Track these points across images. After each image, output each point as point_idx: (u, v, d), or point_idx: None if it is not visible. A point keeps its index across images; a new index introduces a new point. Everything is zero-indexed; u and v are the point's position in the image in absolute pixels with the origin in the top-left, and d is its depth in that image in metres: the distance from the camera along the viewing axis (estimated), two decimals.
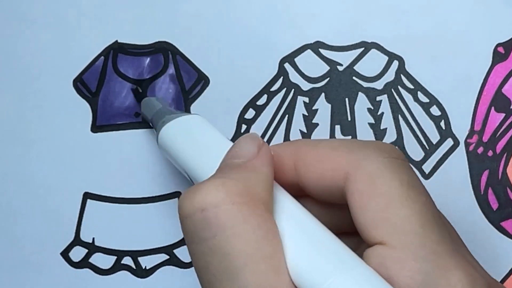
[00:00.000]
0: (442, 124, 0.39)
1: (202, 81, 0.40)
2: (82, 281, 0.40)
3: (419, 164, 0.39)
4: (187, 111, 0.40)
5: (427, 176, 0.39)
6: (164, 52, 0.40)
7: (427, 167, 0.39)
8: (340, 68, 0.40)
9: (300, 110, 0.40)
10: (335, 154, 0.30)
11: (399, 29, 0.39)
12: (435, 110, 0.39)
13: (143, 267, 0.40)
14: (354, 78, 0.40)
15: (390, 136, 0.39)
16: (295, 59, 0.40)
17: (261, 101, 0.40)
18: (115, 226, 0.40)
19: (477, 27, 0.39)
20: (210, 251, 0.27)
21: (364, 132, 0.39)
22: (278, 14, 0.40)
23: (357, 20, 0.40)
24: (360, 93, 0.39)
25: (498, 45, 0.39)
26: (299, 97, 0.40)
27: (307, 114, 0.40)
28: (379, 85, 0.40)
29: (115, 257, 0.40)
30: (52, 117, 0.40)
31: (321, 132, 0.39)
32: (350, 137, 0.39)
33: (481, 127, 0.39)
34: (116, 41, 0.40)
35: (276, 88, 0.40)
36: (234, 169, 0.29)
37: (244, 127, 0.40)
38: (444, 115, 0.39)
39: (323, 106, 0.40)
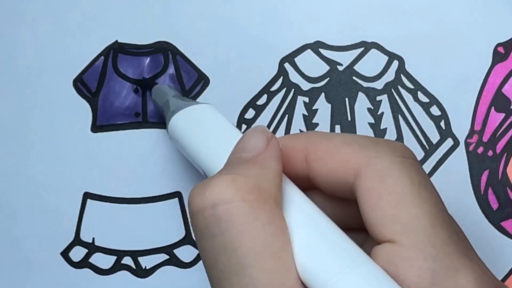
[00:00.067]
0: (442, 124, 0.39)
1: (202, 81, 0.40)
2: (82, 281, 0.40)
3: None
4: None
5: None
6: (164, 52, 0.40)
7: (427, 167, 0.39)
8: (340, 68, 0.40)
9: (300, 110, 0.40)
10: (347, 149, 0.30)
11: (399, 29, 0.39)
12: (435, 110, 0.39)
13: (143, 267, 0.40)
14: (354, 78, 0.40)
15: (390, 136, 0.39)
16: (295, 59, 0.40)
17: (261, 101, 0.40)
18: (115, 226, 0.40)
19: (477, 27, 0.39)
20: (219, 248, 0.27)
21: (364, 132, 0.39)
22: (278, 14, 0.40)
23: (357, 20, 0.40)
24: (360, 93, 0.39)
25: (498, 45, 0.39)
26: (299, 97, 0.40)
27: (307, 114, 0.40)
28: (379, 85, 0.40)
29: (115, 257, 0.40)
30: (52, 117, 0.40)
31: None
32: None
33: (481, 127, 0.39)
34: (116, 41, 0.40)
35: (276, 88, 0.40)
36: (243, 164, 0.29)
37: (244, 127, 0.40)
38: (444, 115, 0.39)
39: (323, 106, 0.40)
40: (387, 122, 0.39)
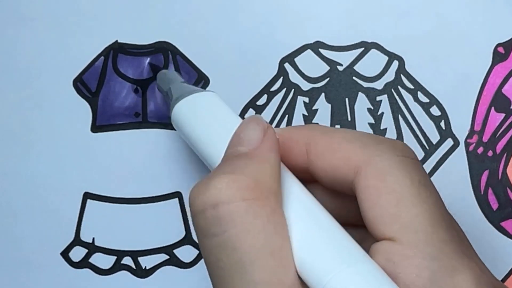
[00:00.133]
0: (442, 124, 0.39)
1: (202, 81, 0.40)
2: (82, 281, 0.40)
3: None
4: None
5: None
6: (164, 52, 0.40)
7: (427, 167, 0.39)
8: (340, 68, 0.40)
9: (300, 110, 0.40)
10: (348, 146, 0.30)
11: (399, 29, 0.39)
12: (435, 110, 0.39)
13: (143, 267, 0.40)
14: (354, 78, 0.40)
15: (390, 136, 0.39)
16: (295, 59, 0.40)
17: (261, 101, 0.40)
18: (115, 226, 0.40)
19: (477, 27, 0.39)
20: (220, 246, 0.27)
21: None
22: (278, 14, 0.40)
23: (357, 20, 0.40)
24: (360, 93, 0.39)
25: (498, 45, 0.39)
26: (299, 97, 0.40)
27: (307, 114, 0.40)
28: (379, 85, 0.40)
29: (115, 257, 0.40)
30: (52, 117, 0.40)
31: None
32: None
33: (481, 127, 0.39)
34: (116, 41, 0.40)
35: (276, 88, 0.40)
36: (241, 160, 0.29)
37: None
38: (444, 115, 0.39)
39: (323, 106, 0.40)
40: (387, 122, 0.39)
